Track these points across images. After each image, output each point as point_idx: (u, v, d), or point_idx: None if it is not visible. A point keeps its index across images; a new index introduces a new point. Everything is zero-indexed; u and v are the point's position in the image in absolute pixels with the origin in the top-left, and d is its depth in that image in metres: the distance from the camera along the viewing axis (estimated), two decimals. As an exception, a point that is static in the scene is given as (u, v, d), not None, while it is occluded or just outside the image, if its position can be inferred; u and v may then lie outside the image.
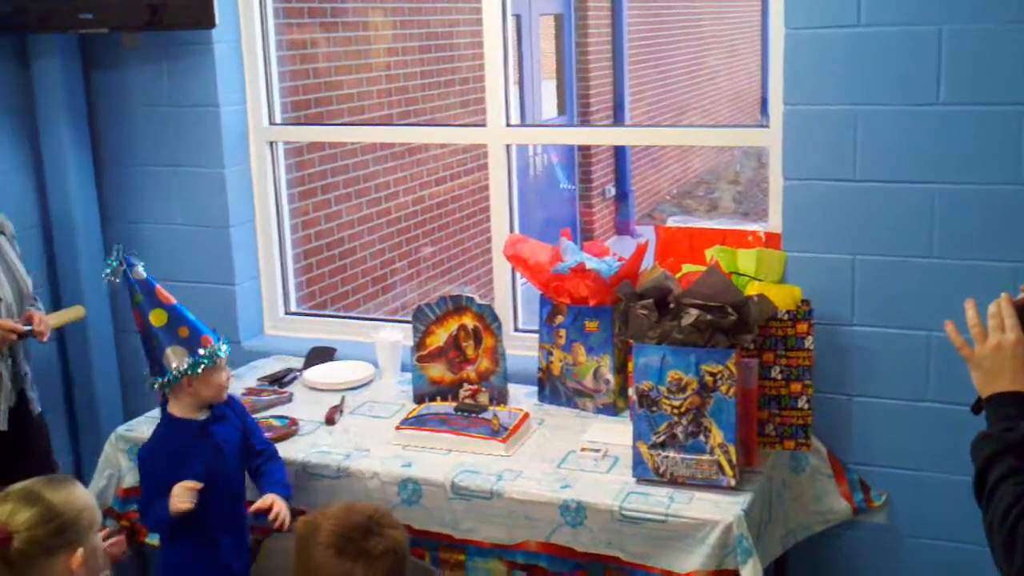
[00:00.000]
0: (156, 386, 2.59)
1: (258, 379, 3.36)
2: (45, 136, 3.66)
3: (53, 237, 3.75)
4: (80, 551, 1.92)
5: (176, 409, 2.63)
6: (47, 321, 2.98)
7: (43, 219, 3.74)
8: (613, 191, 9.26)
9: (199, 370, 2.55)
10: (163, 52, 3.54)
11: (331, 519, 1.87)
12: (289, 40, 4.78)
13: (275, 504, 2.60)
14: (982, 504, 1.54)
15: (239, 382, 3.32)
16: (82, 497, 1.99)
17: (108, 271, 2.61)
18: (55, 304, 3.78)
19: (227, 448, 2.66)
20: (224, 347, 2.62)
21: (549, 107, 8.69)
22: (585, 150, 8.76)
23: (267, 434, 2.88)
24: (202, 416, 2.65)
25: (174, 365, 2.54)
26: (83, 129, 3.69)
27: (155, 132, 3.64)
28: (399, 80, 5.90)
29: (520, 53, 7.66)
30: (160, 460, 2.62)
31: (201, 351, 2.57)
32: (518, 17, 7.66)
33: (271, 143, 3.68)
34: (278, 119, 3.71)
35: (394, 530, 1.91)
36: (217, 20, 3.32)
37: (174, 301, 2.64)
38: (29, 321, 2.93)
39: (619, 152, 9.25)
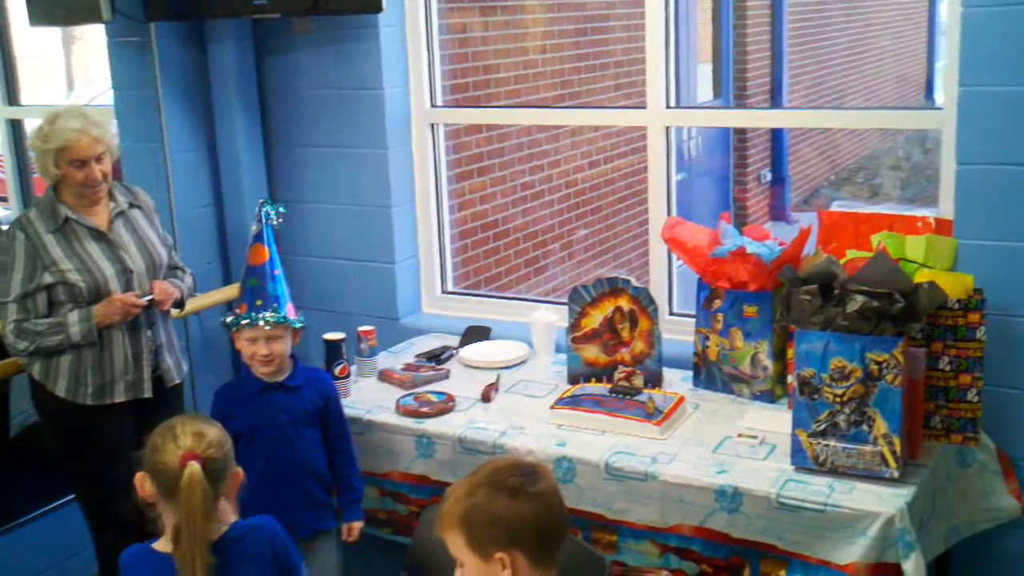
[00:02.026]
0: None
1: (416, 355, 3.44)
2: (219, 118, 3.83)
3: (225, 215, 3.92)
4: (239, 470, 2.18)
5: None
6: (168, 290, 3.03)
7: (216, 197, 3.92)
8: (769, 176, 9.07)
9: (227, 327, 2.81)
10: (331, 36, 3.66)
11: (485, 476, 1.90)
12: (449, 24, 4.85)
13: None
14: None
15: (396, 358, 3.41)
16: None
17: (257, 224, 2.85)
18: (225, 279, 3.96)
19: (282, 415, 2.77)
20: (257, 319, 2.74)
21: (704, 91, 8.55)
22: (741, 134, 8.60)
23: (424, 409, 2.97)
24: (274, 378, 2.79)
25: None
26: (255, 111, 3.84)
27: (322, 114, 3.76)
28: (555, 63, 5.91)
29: (676, 35, 7.56)
30: (219, 400, 2.83)
31: (234, 314, 2.79)
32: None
33: (432, 125, 3.76)
34: (439, 102, 3.78)
35: (544, 469, 1.97)
36: (384, 5, 3.40)
37: (259, 262, 2.81)
38: (151, 291, 3.00)
39: (776, 137, 9.04)
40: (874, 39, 11.89)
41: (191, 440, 2.08)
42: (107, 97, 4.06)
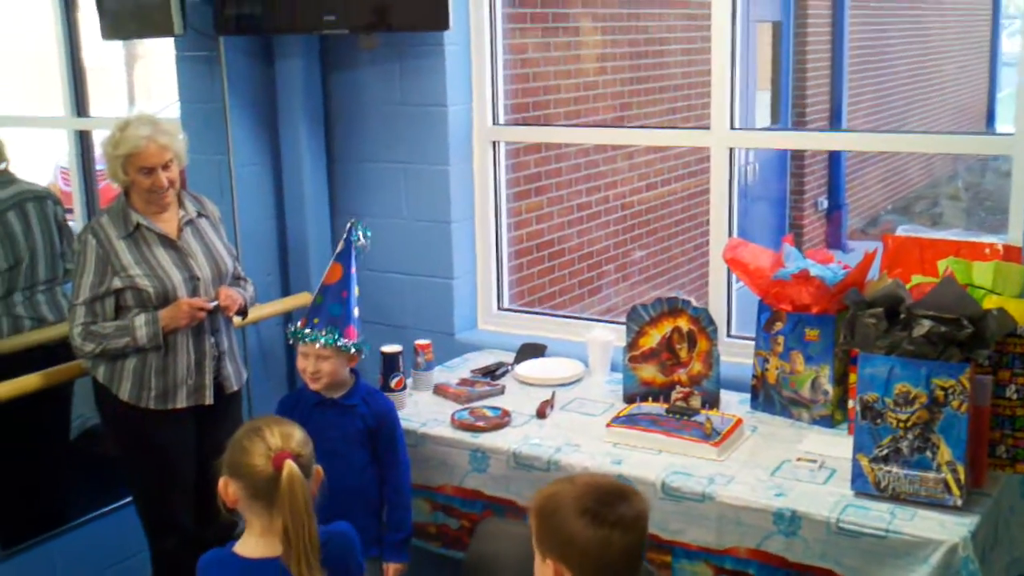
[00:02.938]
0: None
1: (471, 371, 3.45)
2: (284, 132, 3.88)
3: (287, 227, 3.96)
4: (320, 468, 2.18)
5: None
6: (233, 296, 3.06)
7: (278, 210, 3.96)
8: (826, 204, 9.00)
9: (289, 338, 2.88)
10: (396, 53, 3.70)
11: (578, 488, 1.85)
12: (510, 44, 4.88)
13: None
14: None
15: (452, 373, 3.42)
16: None
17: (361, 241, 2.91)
18: (284, 291, 4.01)
19: (330, 432, 2.75)
20: (308, 335, 2.78)
21: (763, 118, 8.53)
22: (798, 161, 8.56)
23: (479, 423, 2.97)
24: (332, 394, 2.81)
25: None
26: (319, 126, 3.89)
27: (385, 130, 3.80)
28: (614, 86, 5.93)
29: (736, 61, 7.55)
30: (280, 409, 2.87)
31: (293, 325, 2.86)
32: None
33: (494, 143, 3.78)
34: (501, 120, 3.80)
35: (639, 498, 1.88)
36: (451, 23, 3.43)
37: (331, 281, 2.84)
38: (217, 297, 3.04)
39: (833, 164, 8.98)
40: (935, 68, 11.79)
41: (280, 440, 2.08)
42: (168, 112, 4.13)
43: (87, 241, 2.95)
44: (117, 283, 2.93)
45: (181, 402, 3.03)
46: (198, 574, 2.18)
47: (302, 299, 3.84)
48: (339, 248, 2.88)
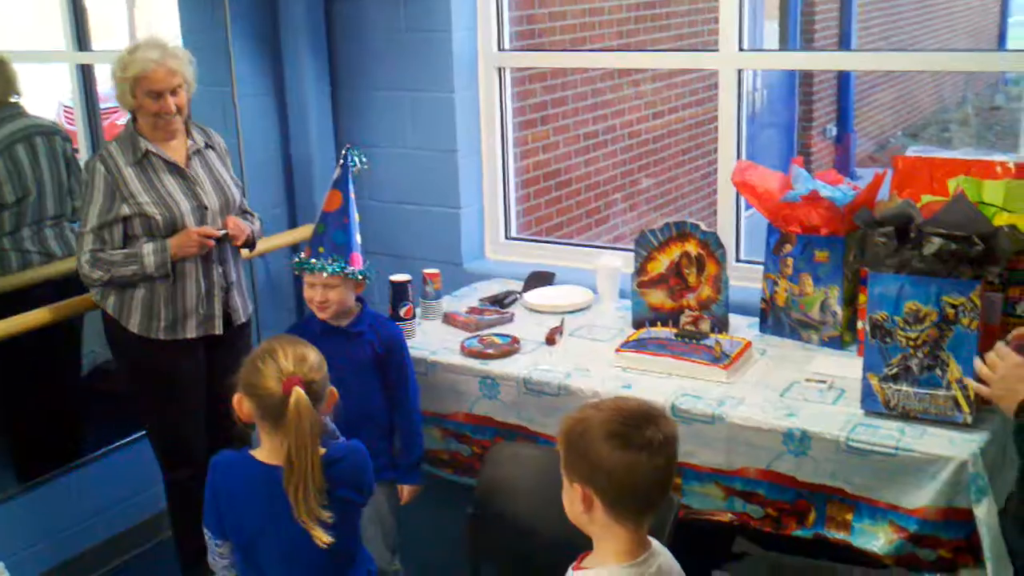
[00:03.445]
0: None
1: (480, 299, 3.44)
2: (288, 62, 3.84)
3: (291, 158, 3.94)
4: (333, 389, 2.21)
5: None
6: (241, 225, 3.07)
7: (283, 142, 3.94)
8: (834, 131, 8.92)
9: (295, 269, 2.85)
10: (399, -22, 3.65)
11: (605, 412, 1.83)
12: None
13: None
14: None
15: (460, 302, 3.42)
16: None
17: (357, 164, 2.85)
18: (291, 222, 3.99)
19: (337, 359, 2.64)
20: (315, 266, 2.75)
21: (771, 45, 8.41)
22: (807, 87, 8.46)
23: (489, 350, 2.97)
24: (336, 322, 2.81)
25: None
26: (323, 55, 3.85)
27: (389, 57, 3.76)
28: (620, 11, 5.84)
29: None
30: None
31: (298, 256, 2.82)
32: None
33: (499, 69, 3.74)
34: (507, 46, 3.75)
35: (668, 421, 1.86)
36: (453, -54, 3.38)
37: (331, 208, 2.81)
38: (225, 226, 3.05)
39: (842, 90, 8.87)
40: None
41: (293, 364, 2.11)
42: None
43: (95, 168, 2.94)
44: (125, 210, 2.92)
45: (191, 332, 3.04)
46: (210, 471, 2.22)
47: (309, 230, 3.82)
48: (336, 175, 2.85)
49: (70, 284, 3.29)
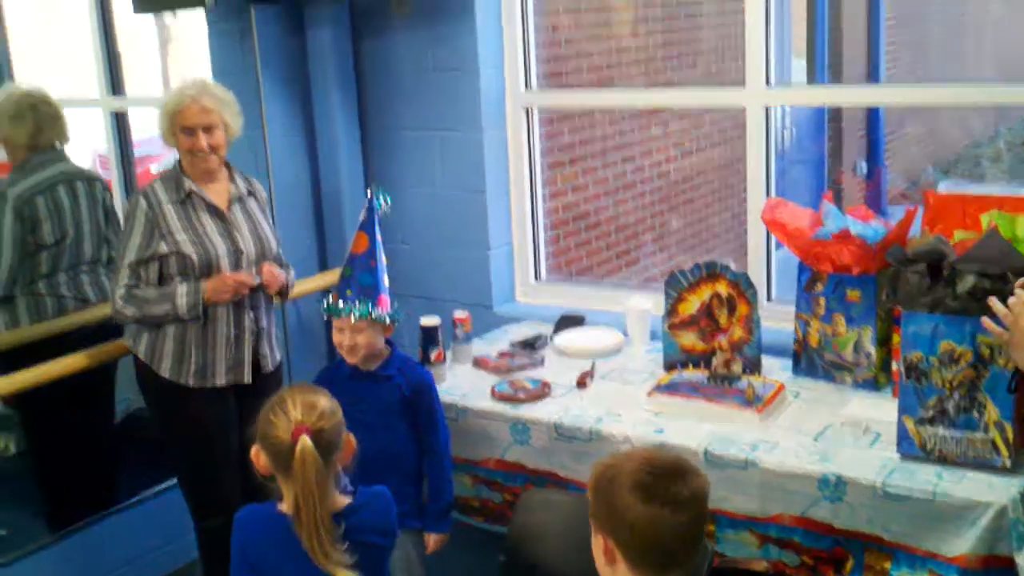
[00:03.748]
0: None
1: (511, 343, 3.43)
2: (317, 103, 3.88)
3: (322, 201, 3.96)
4: (351, 437, 2.19)
5: None
6: (276, 274, 3.08)
7: (314, 184, 3.96)
8: (865, 167, 8.87)
9: (323, 313, 2.81)
10: (426, 18, 3.68)
11: (635, 462, 1.80)
12: (543, 12, 4.84)
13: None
14: None
15: (490, 346, 3.41)
16: None
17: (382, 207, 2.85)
18: (321, 265, 4.01)
19: (365, 404, 2.74)
20: (343, 310, 2.74)
21: (798, 81, 8.40)
22: (836, 123, 8.43)
23: (520, 395, 2.96)
24: (368, 366, 2.80)
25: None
26: (351, 96, 3.88)
27: (417, 97, 3.79)
28: (648, 50, 5.87)
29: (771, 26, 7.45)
30: (317, 382, 2.78)
31: (326, 300, 2.80)
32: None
33: (527, 109, 3.75)
34: (534, 85, 3.77)
35: (698, 477, 1.81)
36: (481, -14, 3.41)
37: (358, 251, 2.81)
38: (260, 273, 3.05)
39: (871, 126, 8.84)
40: (973, 26, 11.56)
41: (301, 413, 2.10)
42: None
43: (138, 203, 2.97)
44: (163, 247, 2.94)
45: (220, 379, 3.04)
46: (235, 526, 2.21)
47: (338, 274, 3.84)
48: (362, 217, 2.84)
49: (105, 330, 3.32)
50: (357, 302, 2.75)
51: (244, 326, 3.06)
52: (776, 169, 3.45)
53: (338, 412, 2.17)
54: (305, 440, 2.06)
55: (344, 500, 2.18)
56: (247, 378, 3.08)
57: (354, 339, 2.77)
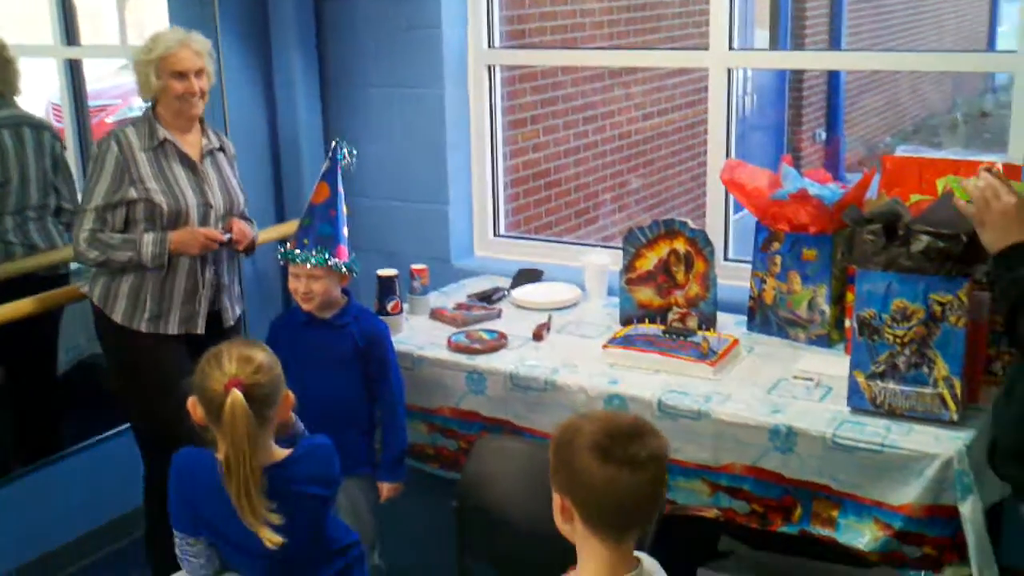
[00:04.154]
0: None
1: (468, 295, 3.44)
2: (277, 58, 3.84)
3: (280, 154, 3.93)
4: (289, 393, 2.18)
5: None
6: (246, 231, 3.07)
7: (272, 137, 3.93)
8: (824, 135, 8.95)
9: (280, 259, 2.82)
10: (389, -26, 3.64)
11: (594, 423, 1.80)
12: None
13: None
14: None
15: (447, 299, 3.41)
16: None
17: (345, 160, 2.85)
18: (279, 217, 3.98)
19: (319, 352, 2.78)
20: (299, 256, 2.75)
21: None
22: (796, 92, 8.49)
23: (476, 346, 2.97)
24: (321, 314, 2.81)
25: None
26: (311, 50, 3.84)
27: (379, 54, 3.75)
28: (610, 13, 5.85)
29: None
30: (271, 330, 2.89)
31: (283, 247, 2.80)
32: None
33: (489, 67, 3.73)
34: (497, 44, 3.75)
35: (657, 438, 1.81)
36: (444, -58, 3.38)
37: (318, 201, 2.81)
38: (230, 229, 3.04)
39: (832, 94, 8.91)
40: (934, 2, 11.66)
41: (236, 366, 2.09)
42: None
43: (109, 147, 2.93)
44: (132, 194, 2.91)
45: (172, 328, 3.02)
46: (172, 466, 2.22)
47: (296, 225, 3.82)
48: (325, 167, 2.84)
49: (52, 278, 3.27)
50: (314, 250, 2.75)
51: (203, 280, 3.04)
52: (736, 134, 3.47)
53: (276, 367, 2.15)
54: (236, 394, 2.05)
55: (282, 453, 2.18)
56: (200, 329, 3.06)
57: (309, 286, 2.76)
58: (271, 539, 2.07)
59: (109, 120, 6.13)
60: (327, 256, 2.74)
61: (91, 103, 5.09)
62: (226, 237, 3.01)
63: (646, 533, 1.82)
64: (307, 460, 2.20)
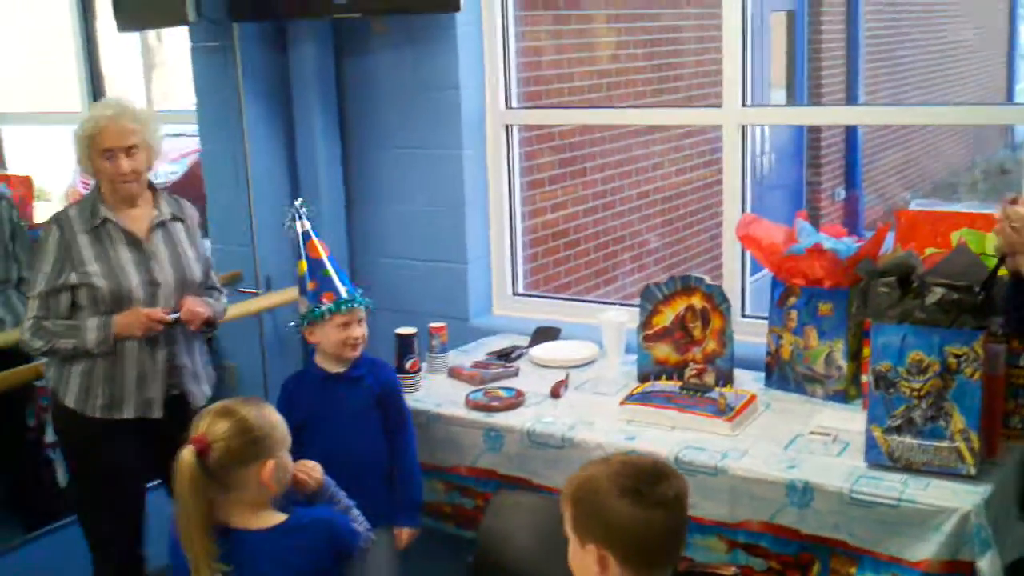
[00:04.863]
0: (294, 327, 2.84)
1: (486, 354, 3.46)
2: (299, 119, 3.91)
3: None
4: (271, 462, 2.15)
5: (317, 357, 2.85)
6: (196, 310, 2.87)
7: (293, 197, 3.96)
8: (843, 194, 8.98)
9: (304, 323, 2.79)
10: (408, 37, 3.72)
11: (614, 468, 1.83)
12: (524, 32, 4.90)
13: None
14: None
15: (466, 356, 3.43)
16: (274, 415, 2.22)
17: (287, 223, 2.88)
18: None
19: (342, 405, 2.80)
20: (354, 300, 2.77)
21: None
22: (814, 150, 8.54)
23: (494, 403, 2.98)
24: (337, 369, 2.82)
25: (301, 312, 2.79)
26: (333, 113, 3.91)
27: (398, 115, 3.82)
28: (628, 74, 5.94)
29: (751, 56, 7.56)
30: (283, 390, 2.86)
31: (320, 305, 2.77)
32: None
33: (507, 127, 3.79)
34: (514, 103, 3.81)
35: (678, 477, 1.85)
36: (462, 4, 3.45)
37: (321, 256, 2.84)
38: (179, 308, 2.86)
39: (849, 152, 8.96)
40: (951, 61, 11.73)
41: (205, 426, 2.13)
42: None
43: (51, 231, 2.81)
44: (73, 278, 2.79)
45: (128, 413, 2.87)
46: None
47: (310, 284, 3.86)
48: (301, 228, 2.87)
49: (17, 354, 3.09)
50: (357, 292, 2.80)
51: (155, 363, 2.87)
52: (755, 195, 3.50)
53: (257, 431, 2.15)
54: (186, 452, 2.08)
55: (275, 518, 2.19)
56: (156, 414, 2.89)
57: (362, 330, 2.80)
58: None
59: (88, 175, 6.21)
60: (363, 296, 2.81)
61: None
62: (172, 317, 2.83)
63: (672, 570, 1.85)
64: (299, 532, 2.20)
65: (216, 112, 3.95)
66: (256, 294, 3.86)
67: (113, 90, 5.11)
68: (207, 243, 3.10)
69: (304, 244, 2.86)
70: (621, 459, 1.91)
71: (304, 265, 2.85)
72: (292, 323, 2.89)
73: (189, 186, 5.15)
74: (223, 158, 3.96)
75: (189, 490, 2.08)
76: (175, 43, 4.10)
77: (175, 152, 5.37)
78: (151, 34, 5.58)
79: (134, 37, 5.38)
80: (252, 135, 3.84)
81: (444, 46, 3.65)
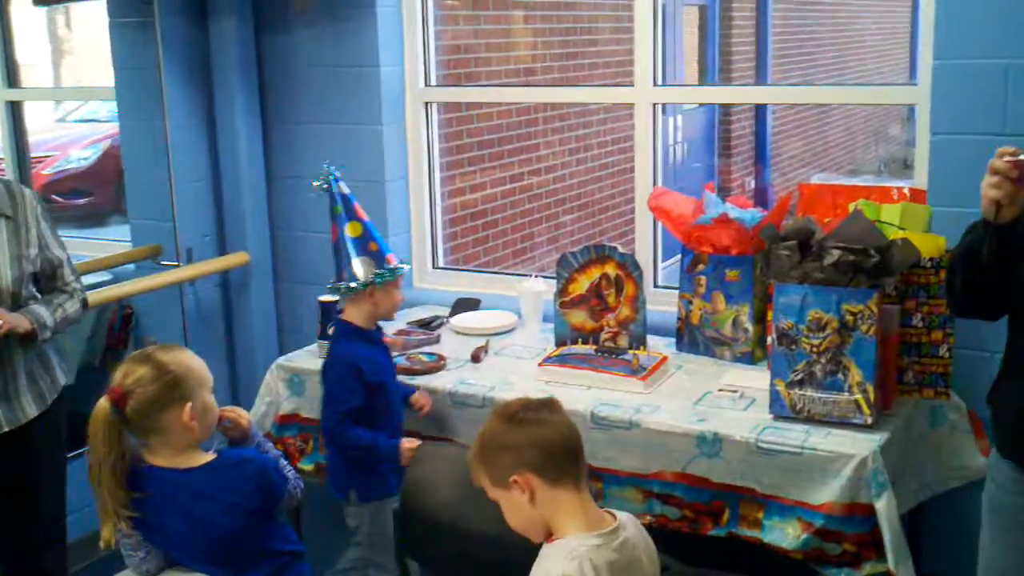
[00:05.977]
0: (344, 290, 2.84)
1: (407, 323, 3.53)
2: (219, 93, 3.92)
3: (222, 189, 4.00)
4: (189, 405, 2.23)
5: (353, 317, 2.89)
6: (13, 322, 2.51)
7: (213, 172, 4.00)
8: (753, 183, 9.24)
9: (380, 282, 2.82)
10: (328, 15, 3.76)
11: (495, 413, 2.04)
12: (444, 16, 4.98)
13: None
14: None
15: (388, 325, 3.48)
16: (192, 358, 2.31)
17: (317, 181, 2.91)
18: (220, 250, 4.05)
19: (389, 356, 2.98)
20: (405, 267, 2.90)
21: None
22: (725, 140, 8.78)
23: (416, 367, 3.07)
24: (371, 328, 2.91)
25: (361, 275, 2.81)
26: (254, 88, 3.93)
27: (319, 91, 3.86)
28: (544, 60, 6.05)
29: (664, 46, 7.75)
30: (347, 363, 2.83)
31: (386, 266, 2.84)
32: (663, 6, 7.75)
33: (426, 104, 3.86)
34: (433, 82, 3.89)
35: (552, 400, 2.07)
36: (382, -18, 3.51)
37: (367, 219, 2.90)
38: None
39: (759, 142, 9.22)
40: (857, 48, 12.09)
41: (120, 376, 2.22)
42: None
43: None
44: None
45: None
46: None
47: (238, 258, 3.90)
48: (334, 209, 2.90)
49: None
50: (399, 260, 2.91)
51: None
52: (669, 183, 3.60)
53: (169, 376, 2.23)
54: (100, 402, 2.19)
55: (203, 458, 2.28)
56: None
57: (402, 295, 2.98)
58: (105, 538, 2.21)
59: (46, 172, 6.12)
60: None
61: (33, 154, 5.11)
62: None
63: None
64: (226, 470, 2.29)
65: (136, 87, 3.95)
66: (177, 266, 3.86)
67: (28, 76, 5.03)
68: (49, 235, 2.72)
69: (352, 206, 2.91)
70: (496, 408, 2.09)
71: (359, 227, 2.89)
72: (337, 283, 2.84)
73: (102, 172, 5.13)
74: (143, 134, 3.96)
75: (102, 440, 2.17)
76: (84, 27, 4.05)
77: (86, 139, 5.32)
78: (60, 20, 5.50)
79: (43, 24, 5.30)
80: (172, 110, 3.84)
81: (364, 24, 3.70)
